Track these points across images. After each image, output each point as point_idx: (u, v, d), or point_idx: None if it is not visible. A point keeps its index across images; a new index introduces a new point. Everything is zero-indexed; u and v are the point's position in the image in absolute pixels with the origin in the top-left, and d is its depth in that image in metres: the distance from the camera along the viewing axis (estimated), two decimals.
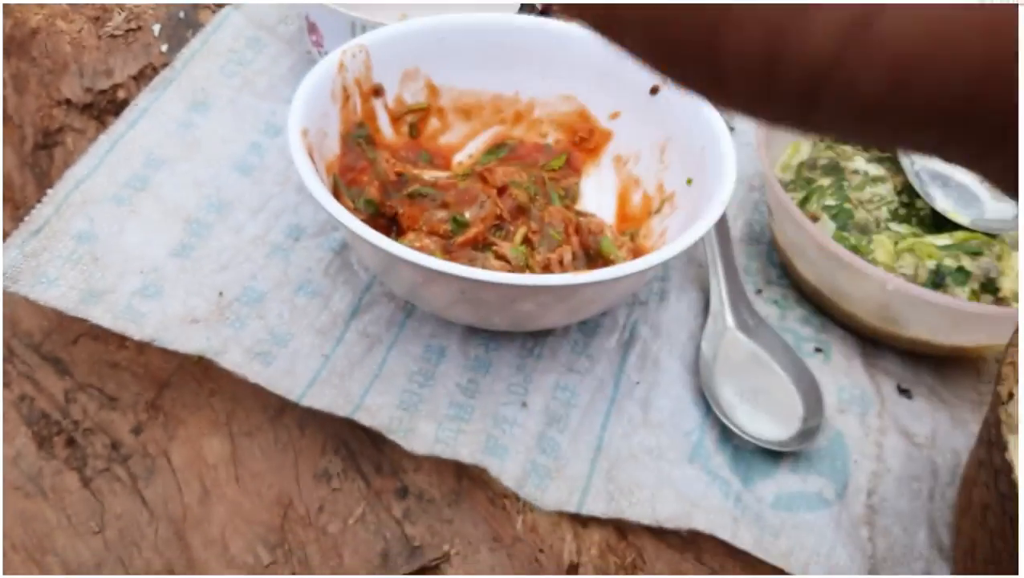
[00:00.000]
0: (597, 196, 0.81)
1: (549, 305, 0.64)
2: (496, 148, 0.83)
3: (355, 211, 0.70)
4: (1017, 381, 0.57)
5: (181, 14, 0.90)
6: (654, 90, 0.77)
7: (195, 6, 0.91)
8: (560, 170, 0.82)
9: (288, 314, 0.71)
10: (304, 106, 0.68)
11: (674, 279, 0.78)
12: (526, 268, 0.73)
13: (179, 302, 0.71)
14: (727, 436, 0.67)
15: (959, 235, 0.75)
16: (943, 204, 0.77)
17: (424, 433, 0.64)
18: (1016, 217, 0.76)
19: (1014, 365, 0.54)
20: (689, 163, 0.74)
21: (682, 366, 0.71)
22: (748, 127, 0.92)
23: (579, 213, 0.79)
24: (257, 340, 0.69)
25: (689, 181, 0.74)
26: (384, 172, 0.74)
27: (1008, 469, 0.49)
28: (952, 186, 0.79)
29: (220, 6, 0.92)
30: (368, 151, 0.75)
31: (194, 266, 0.73)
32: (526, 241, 0.75)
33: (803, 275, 0.75)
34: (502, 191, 0.76)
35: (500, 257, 0.73)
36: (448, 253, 0.71)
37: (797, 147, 0.84)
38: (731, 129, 0.91)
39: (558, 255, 0.73)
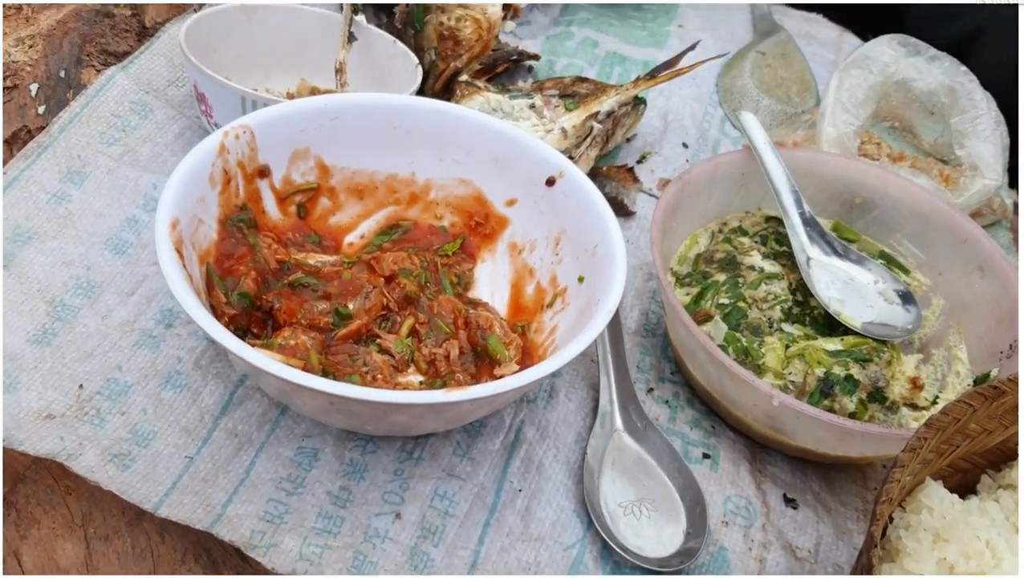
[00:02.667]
0: (491, 283, 0.79)
1: (424, 416, 0.61)
2: (390, 229, 0.81)
3: (227, 305, 0.66)
4: (891, 521, 0.56)
5: (62, 73, 0.86)
6: (550, 181, 0.76)
7: (78, 64, 0.87)
8: (454, 255, 0.80)
9: (153, 410, 0.67)
10: (176, 195, 0.64)
11: (565, 375, 0.76)
12: (411, 363, 0.71)
13: (35, 395, 0.66)
14: (608, 551, 0.65)
15: (850, 340, 0.75)
16: (836, 306, 0.77)
17: (288, 549, 0.61)
18: (905, 325, 0.76)
19: (889, 502, 0.53)
20: (582, 260, 0.72)
21: (567, 472, 0.69)
22: (649, 212, 0.91)
23: (471, 302, 0.76)
24: (117, 439, 0.65)
25: (581, 279, 0.72)
26: (265, 259, 0.71)
27: None
28: (846, 285, 0.79)
29: (106, 66, 0.87)
30: (250, 236, 0.72)
31: (55, 355, 0.68)
32: (413, 332, 0.72)
33: (695, 376, 0.74)
34: (390, 280, 0.74)
35: (384, 351, 0.70)
36: (327, 348, 0.68)
37: (695, 238, 0.83)
38: (632, 214, 0.90)
39: (445, 349, 0.71)
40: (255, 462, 0.65)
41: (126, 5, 0.94)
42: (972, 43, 1.14)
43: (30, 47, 0.88)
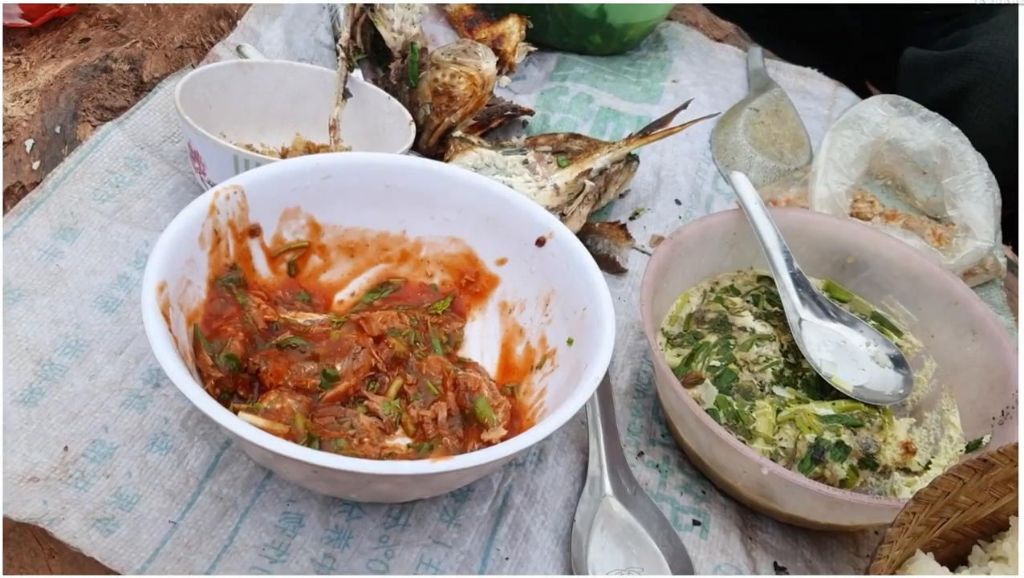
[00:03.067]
0: (481, 343, 0.78)
1: (409, 485, 0.61)
2: (380, 287, 0.81)
3: (213, 367, 0.66)
4: None
5: (57, 128, 0.86)
6: (540, 242, 0.76)
7: (74, 119, 0.87)
8: (444, 314, 0.79)
9: (138, 473, 0.67)
10: (164, 258, 0.64)
11: (555, 438, 0.75)
12: (398, 425, 0.70)
13: (20, 457, 0.65)
14: None
15: (841, 404, 0.74)
16: (828, 369, 0.76)
17: None
18: (896, 390, 0.76)
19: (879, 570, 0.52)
20: (571, 321, 0.72)
21: (554, 539, 0.68)
22: (641, 269, 0.91)
23: (461, 362, 0.76)
24: (100, 503, 0.64)
25: (570, 341, 0.72)
26: (253, 319, 0.71)
27: None
28: (838, 347, 0.78)
29: (102, 121, 0.88)
30: (239, 295, 0.72)
31: (41, 415, 0.68)
32: (401, 393, 0.72)
33: (685, 441, 0.74)
34: (379, 340, 0.73)
35: (371, 413, 0.70)
36: (314, 411, 0.68)
37: (687, 298, 0.83)
38: (624, 271, 0.90)
39: (432, 412, 0.71)
40: (239, 528, 0.65)
41: (124, 60, 0.95)
42: (962, 99, 1.15)
43: (27, 102, 0.88)
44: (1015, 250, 1.14)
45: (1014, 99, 1.12)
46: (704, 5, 1.34)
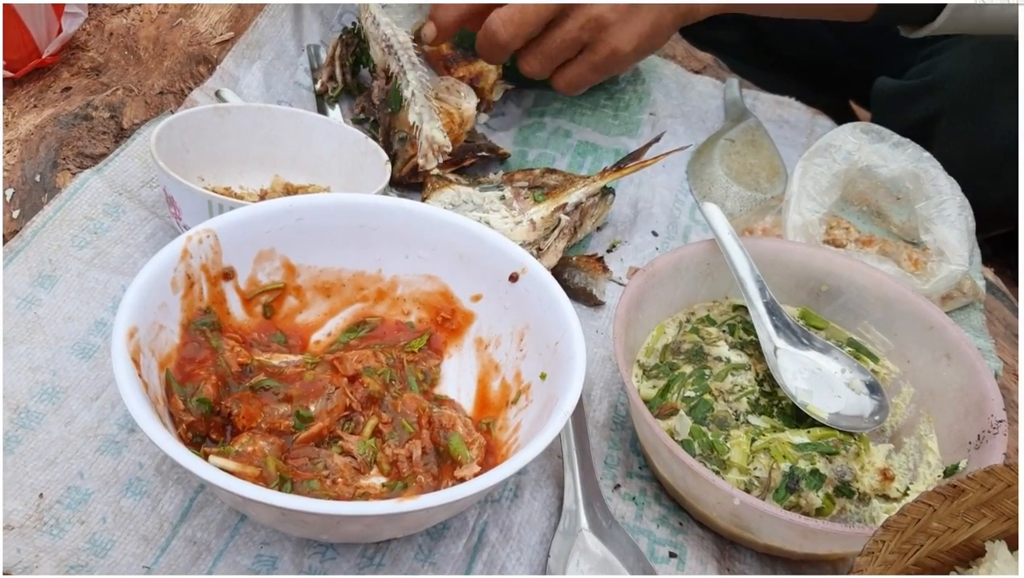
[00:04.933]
0: (457, 379, 0.79)
1: (378, 525, 0.61)
2: (357, 326, 0.81)
3: (185, 412, 0.66)
4: None
5: (37, 177, 0.87)
6: (513, 277, 0.76)
7: (54, 168, 0.88)
8: (421, 351, 0.80)
9: (112, 518, 0.67)
10: (135, 303, 0.65)
11: (531, 472, 0.75)
12: (373, 464, 0.70)
13: None
14: None
15: (816, 432, 0.74)
16: (803, 397, 0.76)
17: None
18: (872, 417, 0.76)
19: None
20: (544, 356, 0.73)
21: (530, 576, 0.68)
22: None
23: (437, 399, 0.76)
24: (74, 550, 0.64)
25: (543, 376, 0.72)
26: (227, 363, 0.71)
27: None
28: (813, 375, 0.78)
29: (81, 168, 0.89)
30: (213, 338, 0.72)
31: (16, 463, 0.68)
32: (376, 432, 0.72)
33: (660, 472, 0.74)
34: (354, 379, 0.74)
35: (346, 453, 0.70)
36: (287, 453, 0.68)
37: (663, 329, 0.84)
38: (601, 304, 0.91)
39: (407, 450, 0.71)
40: (213, 572, 0.65)
41: (105, 107, 0.96)
42: (932, 127, 1.16)
43: (8, 152, 0.90)
44: (1006, 271, 1.14)
45: (981, 126, 1.13)
46: (683, 36, 1.36)
